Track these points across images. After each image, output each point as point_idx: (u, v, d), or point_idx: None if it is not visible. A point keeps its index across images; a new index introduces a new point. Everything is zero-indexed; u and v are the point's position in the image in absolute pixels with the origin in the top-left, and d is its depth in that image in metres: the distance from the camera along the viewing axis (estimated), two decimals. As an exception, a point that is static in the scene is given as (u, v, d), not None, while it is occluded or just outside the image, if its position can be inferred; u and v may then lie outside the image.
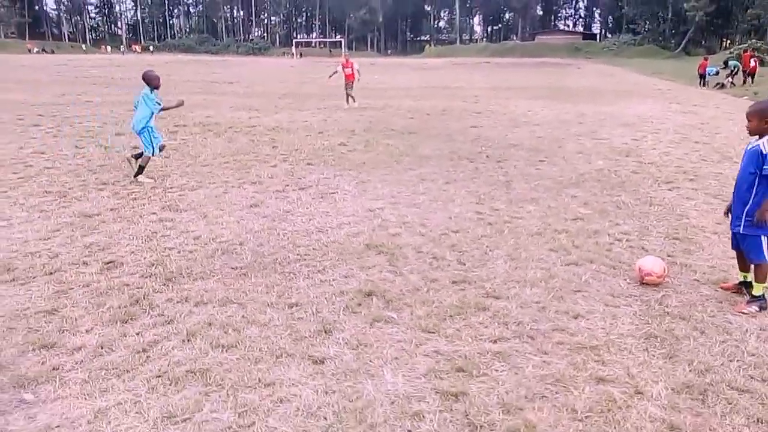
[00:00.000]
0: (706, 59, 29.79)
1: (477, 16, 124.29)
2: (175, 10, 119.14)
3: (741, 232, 4.25)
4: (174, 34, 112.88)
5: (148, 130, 7.81)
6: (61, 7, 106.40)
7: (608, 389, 3.19)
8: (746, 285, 4.37)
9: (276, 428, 2.88)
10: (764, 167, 4.03)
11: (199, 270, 4.87)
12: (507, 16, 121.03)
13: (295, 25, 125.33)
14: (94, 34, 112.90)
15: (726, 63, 30.14)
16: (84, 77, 30.48)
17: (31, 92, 20.74)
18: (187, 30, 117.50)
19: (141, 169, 7.90)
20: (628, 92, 23.69)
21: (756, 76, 27.33)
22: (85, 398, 3.11)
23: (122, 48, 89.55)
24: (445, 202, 7.02)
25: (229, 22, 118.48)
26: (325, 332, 3.83)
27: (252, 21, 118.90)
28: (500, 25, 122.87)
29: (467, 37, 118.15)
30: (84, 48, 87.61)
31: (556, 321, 3.99)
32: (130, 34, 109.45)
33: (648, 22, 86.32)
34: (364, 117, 15.04)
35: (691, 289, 4.54)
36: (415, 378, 3.32)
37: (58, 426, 2.89)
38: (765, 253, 4.17)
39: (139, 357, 3.52)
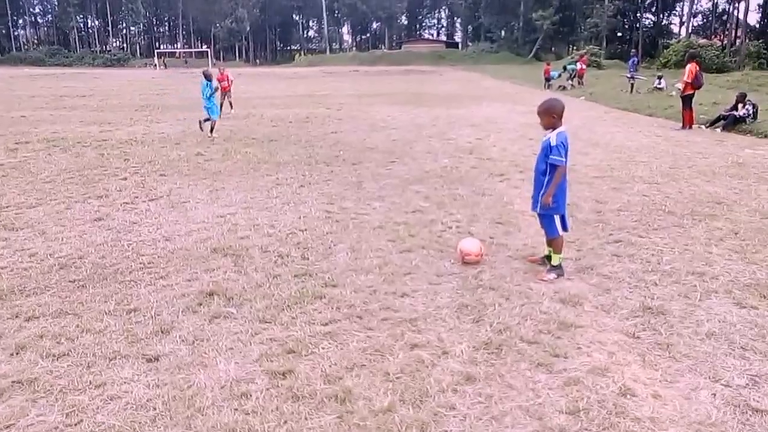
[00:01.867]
0: (548, 64, 32.70)
1: (345, 25, 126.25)
2: (20, 21, 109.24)
3: (538, 212, 4.94)
4: (20, 46, 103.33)
5: (211, 105, 13.45)
6: None
7: (419, 353, 3.62)
8: (549, 258, 5.05)
9: (104, 423, 2.98)
10: (550, 156, 4.73)
11: (33, 286, 4.74)
12: (374, 25, 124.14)
13: (157, 35, 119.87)
14: None
15: (565, 68, 33.23)
16: None
17: None
18: (35, 42, 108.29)
19: (212, 129, 13.09)
20: (481, 96, 25.40)
21: (584, 77, 30.51)
22: None
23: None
24: (297, 204, 7.29)
25: (83, 33, 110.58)
26: (162, 332, 3.94)
27: (109, 31, 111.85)
28: (368, 35, 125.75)
29: (337, 46, 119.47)
30: None
31: (384, 301, 4.39)
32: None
33: (503, 31, 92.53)
34: (225, 126, 14.92)
35: (504, 264, 5.17)
36: (247, 363, 3.55)
37: None
38: (558, 229, 4.88)
39: (-40, 375, 3.43)
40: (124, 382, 3.34)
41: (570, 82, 30.21)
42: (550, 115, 4.81)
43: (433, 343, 3.75)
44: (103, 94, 28.13)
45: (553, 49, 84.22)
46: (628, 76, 26.10)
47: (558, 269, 4.87)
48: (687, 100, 14.18)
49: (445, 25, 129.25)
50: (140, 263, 5.24)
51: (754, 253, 5.40)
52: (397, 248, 5.58)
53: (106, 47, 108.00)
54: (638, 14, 78.18)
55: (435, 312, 4.20)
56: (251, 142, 12.32)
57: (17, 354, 3.67)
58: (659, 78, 25.75)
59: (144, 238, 5.95)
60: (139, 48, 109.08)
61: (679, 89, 14.82)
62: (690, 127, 14.15)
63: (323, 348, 3.71)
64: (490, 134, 13.14)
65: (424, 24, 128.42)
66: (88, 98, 25.81)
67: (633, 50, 39.13)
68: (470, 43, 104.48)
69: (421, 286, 4.67)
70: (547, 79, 30.93)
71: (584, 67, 30.99)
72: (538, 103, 5.11)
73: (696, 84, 13.96)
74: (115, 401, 3.17)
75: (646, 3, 76.69)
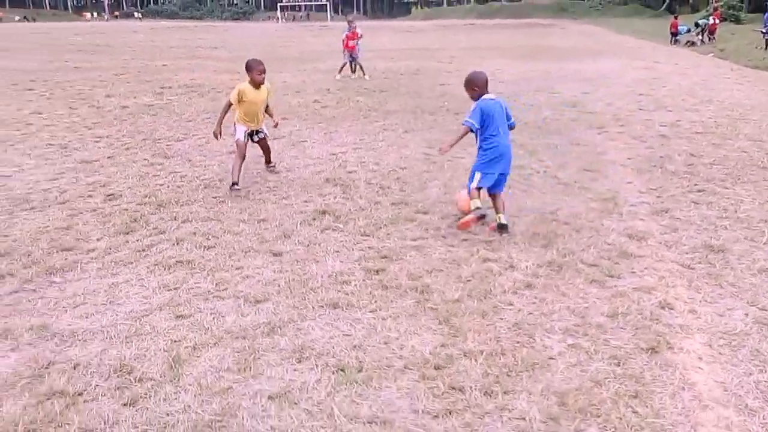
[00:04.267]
0: (676, 18, 30.61)
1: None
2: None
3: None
4: (157, 0, 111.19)
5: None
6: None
7: (490, 265, 4.31)
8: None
9: (242, 291, 3.98)
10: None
11: (185, 199, 5.92)
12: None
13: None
14: (75, 1, 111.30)
15: (697, 23, 30.91)
16: (70, 44, 30.84)
17: (19, 60, 21.30)
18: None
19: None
20: (599, 51, 24.50)
21: (716, 33, 28.25)
22: (101, 278, 4.20)
23: (105, 15, 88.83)
24: (400, 147, 8.06)
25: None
26: (285, 237, 4.92)
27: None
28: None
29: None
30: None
31: (467, 226, 5.08)
32: (113, 1, 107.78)
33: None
34: (341, 77, 15.91)
35: (582, 203, 5.65)
36: (349, 262, 4.43)
37: (83, 293, 3.97)
38: (470, 184, 5.03)
39: (140, 254, 4.60)
40: (257, 268, 4.34)
41: (700, 37, 28.18)
42: (471, 88, 5.05)
43: (503, 259, 4.42)
44: (232, 47, 30.18)
45: (690, 0, 77.42)
46: (763, 31, 23.98)
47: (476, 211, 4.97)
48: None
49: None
50: (267, 187, 6.29)
51: (841, 208, 5.47)
52: (485, 186, 6.20)
53: (233, 1, 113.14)
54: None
55: (510, 237, 4.84)
56: (363, 92, 13.18)
57: (177, 244, 4.79)
58: (804, 33, 23.43)
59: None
60: (263, 1, 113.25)
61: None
62: (824, 87, 13.17)
63: (410, 256, 4.50)
64: (599, 89, 13.08)
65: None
66: (219, 50, 27.91)
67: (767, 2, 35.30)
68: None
69: (501, 217, 5.29)
70: (674, 34, 29.05)
71: (717, 21, 28.72)
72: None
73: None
74: (250, 279, 4.17)
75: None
